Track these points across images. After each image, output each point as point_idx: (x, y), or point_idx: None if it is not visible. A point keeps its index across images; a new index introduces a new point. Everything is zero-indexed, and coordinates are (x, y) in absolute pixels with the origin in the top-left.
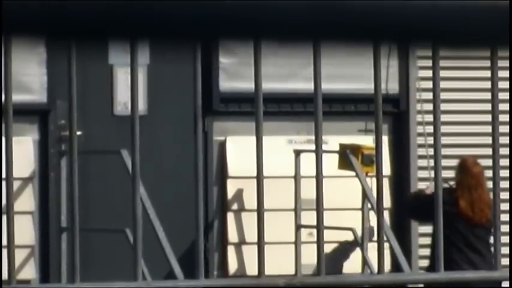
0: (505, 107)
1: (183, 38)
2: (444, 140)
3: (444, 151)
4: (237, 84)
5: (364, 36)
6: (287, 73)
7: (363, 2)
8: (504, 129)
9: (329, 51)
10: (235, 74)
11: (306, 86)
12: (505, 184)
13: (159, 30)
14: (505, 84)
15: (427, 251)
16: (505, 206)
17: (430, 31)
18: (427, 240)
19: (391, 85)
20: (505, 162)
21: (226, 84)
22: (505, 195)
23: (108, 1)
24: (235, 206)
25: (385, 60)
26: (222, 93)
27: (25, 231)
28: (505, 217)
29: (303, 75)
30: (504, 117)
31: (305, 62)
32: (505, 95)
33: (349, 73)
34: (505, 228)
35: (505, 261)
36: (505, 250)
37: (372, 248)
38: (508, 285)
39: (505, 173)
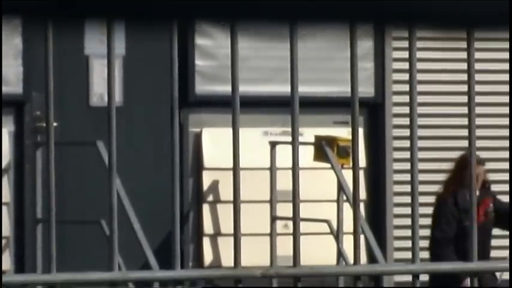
0: (481, 99)
1: (159, 21)
2: (420, 132)
3: (420, 143)
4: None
5: (345, 19)
6: (263, 77)
7: None
8: (480, 121)
9: (306, 39)
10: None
11: (282, 89)
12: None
13: (136, 12)
14: (481, 77)
15: (401, 243)
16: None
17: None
18: (402, 233)
19: (367, 75)
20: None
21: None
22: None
23: None
24: (210, 198)
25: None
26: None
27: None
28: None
29: (279, 80)
30: (480, 110)
31: (281, 66)
32: (481, 88)
33: (325, 77)
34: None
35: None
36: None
37: (347, 240)
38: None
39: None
